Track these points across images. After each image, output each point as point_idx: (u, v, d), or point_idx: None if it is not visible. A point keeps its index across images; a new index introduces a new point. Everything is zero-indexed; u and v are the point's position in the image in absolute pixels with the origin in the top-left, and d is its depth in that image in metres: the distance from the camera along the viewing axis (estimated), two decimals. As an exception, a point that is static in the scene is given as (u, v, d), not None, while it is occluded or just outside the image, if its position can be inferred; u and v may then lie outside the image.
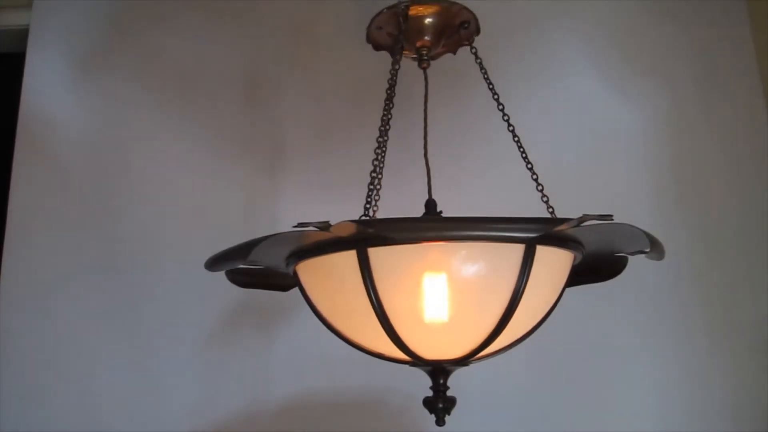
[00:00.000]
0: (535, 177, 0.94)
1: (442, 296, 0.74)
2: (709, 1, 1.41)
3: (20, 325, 1.29)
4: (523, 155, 0.94)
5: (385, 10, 0.95)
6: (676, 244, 1.21)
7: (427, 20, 0.96)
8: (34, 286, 1.31)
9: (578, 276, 0.86)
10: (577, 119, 1.36)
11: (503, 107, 0.95)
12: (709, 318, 1.25)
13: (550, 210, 0.94)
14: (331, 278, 0.77)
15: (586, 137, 1.35)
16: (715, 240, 1.28)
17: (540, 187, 0.94)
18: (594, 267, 0.89)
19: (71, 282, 1.32)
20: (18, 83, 1.43)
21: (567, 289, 0.84)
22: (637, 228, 0.70)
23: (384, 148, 0.92)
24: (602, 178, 1.32)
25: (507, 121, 0.95)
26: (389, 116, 0.89)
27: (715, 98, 1.36)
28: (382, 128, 0.92)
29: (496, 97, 0.95)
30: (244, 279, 0.93)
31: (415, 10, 0.94)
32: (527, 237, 0.72)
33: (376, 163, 0.96)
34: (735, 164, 1.32)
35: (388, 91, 0.95)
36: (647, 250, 0.85)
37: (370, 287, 0.71)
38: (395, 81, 0.94)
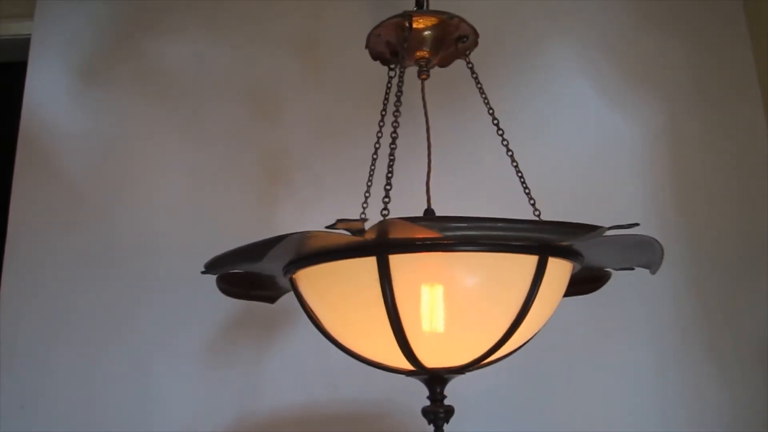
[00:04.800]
0: (526, 189, 0.95)
1: (439, 306, 0.74)
2: (706, 11, 1.42)
3: (20, 331, 1.30)
4: (514, 165, 0.95)
5: (387, 21, 0.96)
6: (675, 256, 1.21)
7: (427, 32, 0.96)
8: (34, 295, 1.32)
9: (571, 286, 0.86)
10: (573, 131, 1.36)
11: (498, 122, 0.96)
12: (708, 329, 1.25)
13: (537, 213, 0.95)
14: (336, 286, 0.77)
15: (582, 149, 1.35)
16: (714, 251, 1.29)
17: (528, 191, 0.96)
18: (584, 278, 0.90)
19: (70, 290, 1.32)
20: (20, 92, 1.44)
21: (565, 301, 0.85)
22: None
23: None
24: (599, 190, 1.32)
25: (501, 135, 0.95)
26: (395, 128, 0.90)
27: (713, 108, 1.36)
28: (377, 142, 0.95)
29: (491, 111, 0.96)
30: (233, 289, 0.92)
31: (415, 22, 0.94)
32: (541, 248, 0.73)
33: (372, 168, 0.98)
34: (733, 174, 1.32)
35: (385, 102, 0.96)
36: (635, 267, 0.86)
37: (388, 295, 0.70)
38: (393, 91, 0.95)
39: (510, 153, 0.95)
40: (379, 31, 0.98)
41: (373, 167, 1.00)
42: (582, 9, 1.43)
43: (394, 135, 0.85)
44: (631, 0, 1.43)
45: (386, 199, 0.80)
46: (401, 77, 0.92)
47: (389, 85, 1.00)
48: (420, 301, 0.73)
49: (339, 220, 0.63)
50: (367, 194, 1.01)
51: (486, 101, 0.97)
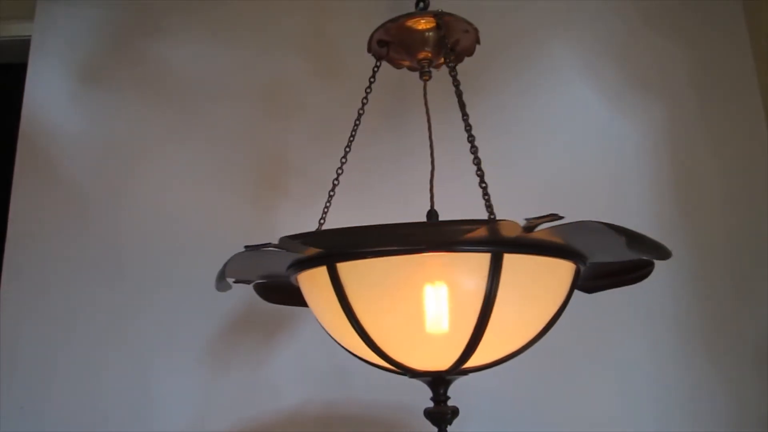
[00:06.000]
0: (483, 186, 0.94)
1: (443, 307, 0.74)
2: (706, 11, 1.42)
3: (20, 332, 1.29)
4: (476, 162, 0.94)
5: (388, 23, 0.96)
6: (676, 257, 1.21)
7: (428, 33, 0.96)
8: (34, 296, 1.31)
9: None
10: (573, 132, 1.36)
11: (473, 139, 0.95)
12: (708, 329, 1.25)
13: (492, 217, 0.94)
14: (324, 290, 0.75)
15: (583, 150, 1.35)
16: (714, 251, 1.29)
17: (486, 197, 0.94)
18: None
19: (70, 292, 1.31)
20: (20, 94, 1.43)
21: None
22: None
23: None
24: (599, 191, 1.32)
25: (472, 143, 0.94)
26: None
27: (713, 108, 1.36)
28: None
29: (468, 129, 0.95)
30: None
31: (417, 23, 0.95)
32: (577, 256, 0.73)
33: (340, 172, 0.98)
34: (733, 174, 1.32)
35: (367, 90, 0.96)
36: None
37: (491, 294, 0.69)
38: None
39: (475, 153, 0.94)
40: (390, 25, 0.97)
41: (345, 152, 0.99)
42: (582, 10, 1.43)
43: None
44: (631, 1, 1.43)
45: (488, 197, 0.78)
46: (454, 73, 0.91)
47: (372, 78, 1.00)
48: (508, 301, 0.73)
49: (551, 214, 0.62)
50: (336, 181, 1.00)
51: (464, 114, 0.96)
